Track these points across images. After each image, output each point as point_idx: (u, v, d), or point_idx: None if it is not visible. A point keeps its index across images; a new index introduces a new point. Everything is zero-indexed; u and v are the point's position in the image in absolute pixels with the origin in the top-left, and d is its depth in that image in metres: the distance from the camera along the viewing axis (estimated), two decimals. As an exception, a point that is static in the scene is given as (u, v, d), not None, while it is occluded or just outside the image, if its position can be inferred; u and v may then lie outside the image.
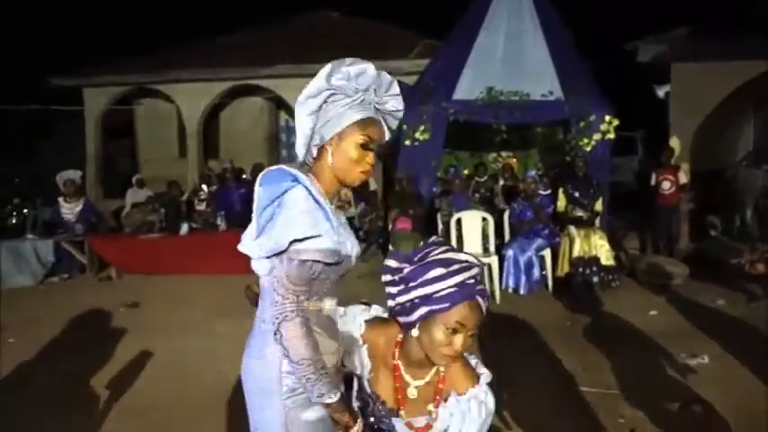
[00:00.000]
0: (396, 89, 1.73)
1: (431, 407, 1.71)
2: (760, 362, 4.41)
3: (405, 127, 8.09)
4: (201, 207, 9.36)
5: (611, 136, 7.92)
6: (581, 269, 7.07)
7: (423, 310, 1.62)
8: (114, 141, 15.21)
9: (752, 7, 8.71)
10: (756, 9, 8.49)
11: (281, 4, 17.19)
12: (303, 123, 1.67)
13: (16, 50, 17.70)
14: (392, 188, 8.70)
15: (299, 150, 1.71)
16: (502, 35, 8.36)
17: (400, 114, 1.77)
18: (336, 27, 14.36)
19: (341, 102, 1.65)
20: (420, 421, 1.72)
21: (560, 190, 7.50)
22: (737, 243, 8.83)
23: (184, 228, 8.74)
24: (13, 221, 9.19)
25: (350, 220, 8.78)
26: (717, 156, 9.99)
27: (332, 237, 1.59)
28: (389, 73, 1.79)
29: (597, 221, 7.51)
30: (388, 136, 1.78)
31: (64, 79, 13.79)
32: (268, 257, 1.60)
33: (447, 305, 1.60)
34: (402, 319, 1.69)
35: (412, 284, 1.65)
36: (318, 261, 1.58)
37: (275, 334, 1.56)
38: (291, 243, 1.54)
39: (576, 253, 7.11)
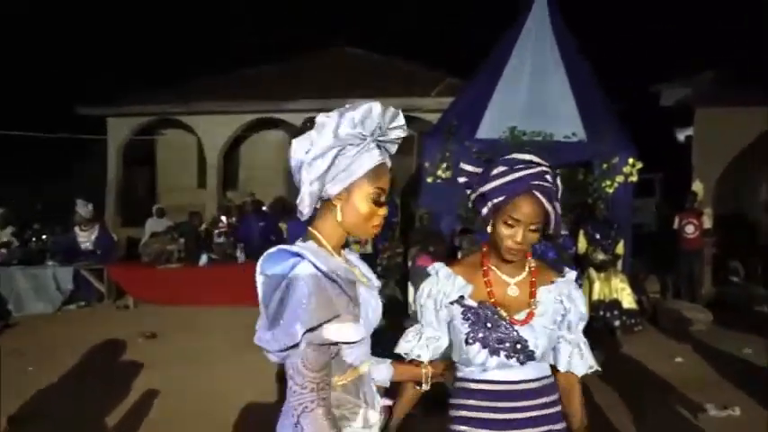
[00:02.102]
0: (400, 120, 1.59)
1: (531, 299, 1.83)
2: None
3: (427, 164, 8.11)
4: (220, 239, 9.38)
5: (634, 179, 7.88)
6: (602, 312, 6.98)
7: (488, 205, 1.78)
8: (134, 170, 15.38)
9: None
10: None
11: (305, 39, 17.43)
12: (311, 185, 1.51)
13: (44, 79, 18.07)
14: (412, 225, 8.67)
15: (305, 210, 1.54)
16: (526, 75, 8.40)
17: (398, 142, 1.64)
18: (360, 63, 14.54)
19: (347, 153, 1.50)
20: (521, 314, 1.81)
21: (581, 232, 7.45)
22: (760, 289, 8.70)
23: (203, 259, 8.76)
24: (33, 246, 9.25)
25: (367, 256, 8.74)
26: (740, 200, 9.92)
27: (351, 312, 1.46)
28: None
29: (618, 264, 7.42)
30: (389, 165, 1.64)
31: (90, 109, 14.03)
32: (284, 351, 1.43)
33: (503, 198, 1.74)
34: (479, 219, 1.85)
35: (478, 183, 1.81)
36: (338, 343, 1.45)
37: (296, 426, 1.42)
38: (306, 332, 1.39)
39: (595, 296, 7.03)
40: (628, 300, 7.07)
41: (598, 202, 7.57)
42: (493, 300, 1.82)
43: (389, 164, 1.65)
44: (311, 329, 1.38)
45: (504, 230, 1.75)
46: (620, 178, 7.82)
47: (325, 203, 1.57)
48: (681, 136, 12.24)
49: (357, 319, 1.48)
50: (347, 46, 16.05)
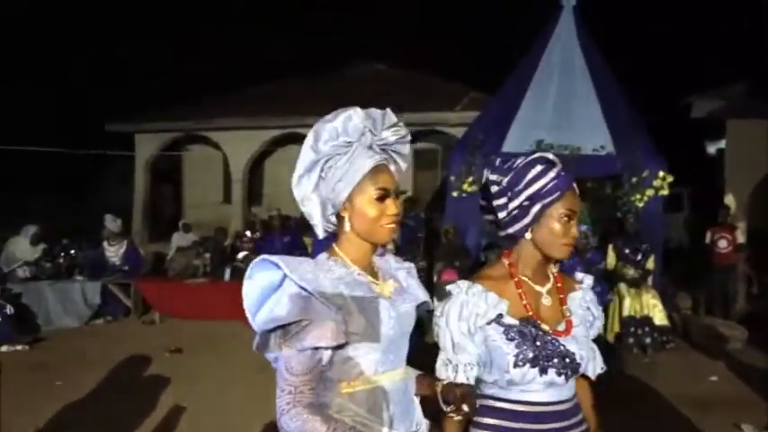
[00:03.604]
0: (392, 118, 1.58)
1: (562, 307, 1.78)
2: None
3: (452, 178, 8.06)
4: (244, 254, 9.39)
5: (665, 192, 7.73)
6: (633, 329, 6.83)
7: (536, 208, 1.68)
8: (160, 186, 15.55)
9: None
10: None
11: (329, 54, 17.56)
12: (309, 202, 1.55)
13: (73, 97, 18.43)
14: (437, 239, 8.60)
15: (318, 229, 1.58)
16: (553, 89, 8.33)
17: (407, 141, 1.63)
18: (383, 78, 14.56)
19: (338, 163, 1.51)
20: (561, 325, 1.75)
21: (610, 247, 7.32)
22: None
23: (228, 273, 8.77)
24: (61, 262, 9.34)
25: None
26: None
27: (330, 317, 1.43)
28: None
29: (649, 280, 7.27)
30: (404, 166, 1.64)
31: (118, 125, 14.25)
32: (266, 354, 1.48)
33: (557, 195, 1.67)
34: (514, 228, 1.72)
35: (518, 188, 1.69)
36: (317, 348, 1.44)
37: (281, 429, 1.46)
38: (273, 331, 1.44)
39: (626, 312, 6.89)
40: (660, 316, 6.91)
41: (628, 216, 7.44)
42: (531, 313, 1.71)
43: (395, 166, 1.63)
44: (283, 329, 1.42)
45: (560, 228, 1.69)
46: (650, 192, 7.68)
47: (339, 218, 1.57)
48: (711, 149, 12.04)
49: (338, 324, 1.44)
50: (371, 61, 16.11)
